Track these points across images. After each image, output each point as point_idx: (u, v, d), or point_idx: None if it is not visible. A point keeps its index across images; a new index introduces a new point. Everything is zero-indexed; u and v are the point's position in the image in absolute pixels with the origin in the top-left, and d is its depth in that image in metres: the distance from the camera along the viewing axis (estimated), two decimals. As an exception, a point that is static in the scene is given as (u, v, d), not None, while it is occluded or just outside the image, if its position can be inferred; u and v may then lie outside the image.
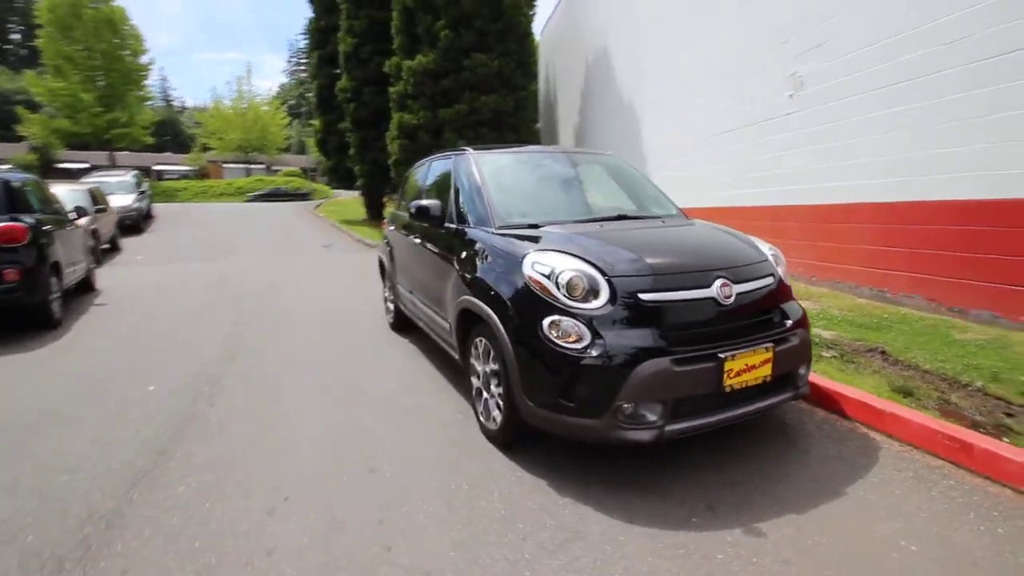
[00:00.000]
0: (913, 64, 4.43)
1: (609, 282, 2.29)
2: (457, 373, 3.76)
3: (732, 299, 2.37)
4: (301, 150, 54.58)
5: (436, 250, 3.44)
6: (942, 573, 1.78)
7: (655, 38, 8.87)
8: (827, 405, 3.01)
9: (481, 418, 2.84)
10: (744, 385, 2.30)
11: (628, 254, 2.44)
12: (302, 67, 74.02)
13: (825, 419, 2.92)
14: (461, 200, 3.31)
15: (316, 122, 21.19)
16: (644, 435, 2.18)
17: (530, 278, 2.41)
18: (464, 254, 2.98)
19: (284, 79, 76.15)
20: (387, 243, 4.95)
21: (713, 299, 2.34)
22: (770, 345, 2.36)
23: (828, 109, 5.37)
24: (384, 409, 3.25)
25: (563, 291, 2.31)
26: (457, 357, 3.21)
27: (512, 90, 12.72)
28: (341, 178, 19.22)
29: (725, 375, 2.24)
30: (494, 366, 2.63)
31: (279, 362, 4.21)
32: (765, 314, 2.53)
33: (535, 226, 2.92)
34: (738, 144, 6.78)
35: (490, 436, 2.76)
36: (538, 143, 15.25)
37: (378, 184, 17.58)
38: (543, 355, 2.28)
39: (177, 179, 37.89)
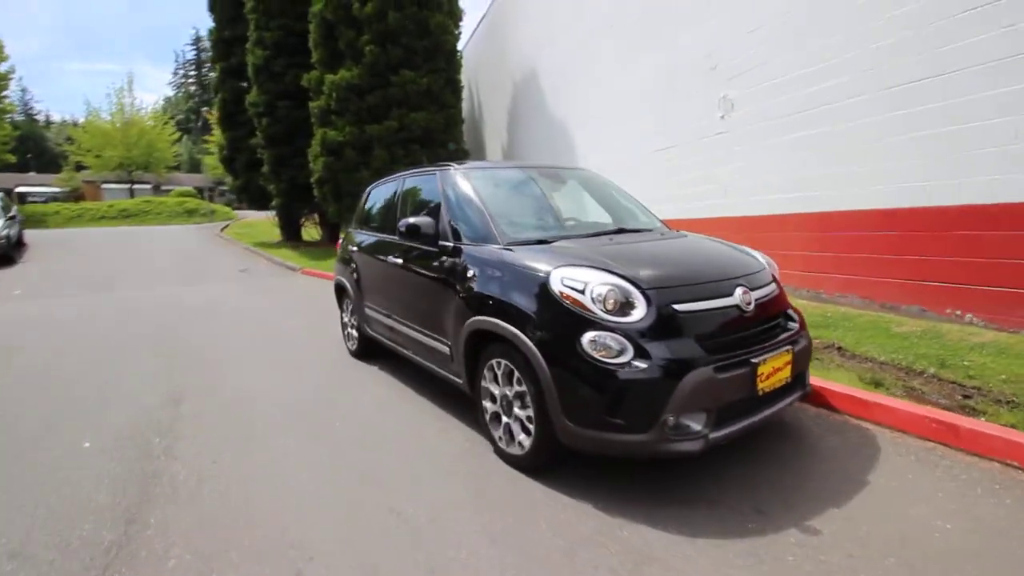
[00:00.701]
0: (828, 92, 4.96)
1: (644, 294, 2.29)
2: (450, 400, 3.58)
3: (752, 306, 2.47)
4: (194, 168, 50.37)
5: (427, 271, 3.27)
6: (981, 545, 1.93)
7: (588, 62, 9.23)
8: (815, 401, 3.22)
9: (501, 444, 2.71)
10: (772, 387, 2.39)
11: (654, 266, 2.46)
12: (191, 79, 68.73)
13: (817, 414, 3.12)
14: (453, 217, 3.18)
15: (218, 137, 19.66)
16: (693, 445, 2.18)
17: (562, 294, 2.35)
18: (471, 273, 2.85)
19: (170, 92, 70.20)
20: (350, 265, 4.64)
21: (737, 306, 2.42)
22: (789, 347, 2.48)
23: (758, 129, 5.87)
24: (381, 445, 3.00)
25: (599, 305, 2.27)
26: (460, 382, 3.04)
27: (441, 107, 12.66)
28: (253, 198, 17.91)
29: (758, 379, 2.31)
30: (519, 388, 2.52)
31: (238, 401, 3.76)
32: (776, 319, 2.65)
33: (544, 241, 2.86)
34: (674, 161, 7.20)
35: (514, 461, 2.63)
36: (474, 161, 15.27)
37: (294, 204, 16.63)
38: (585, 373, 2.21)
39: (45, 202, 33.34)
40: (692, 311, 2.31)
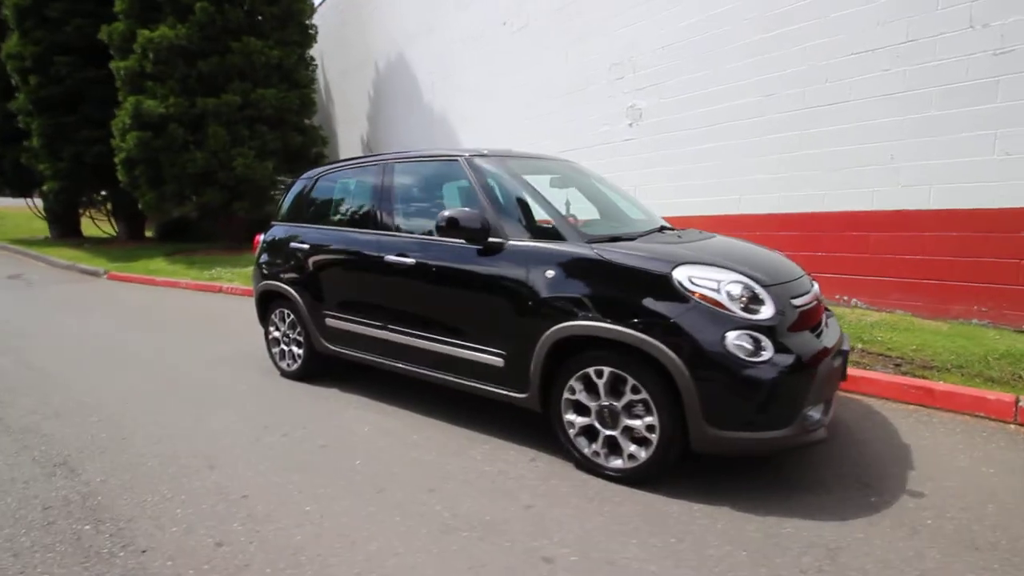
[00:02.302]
0: (734, 109, 5.69)
1: (768, 291, 2.31)
2: (460, 413, 3.18)
3: (818, 301, 2.68)
4: None
5: (467, 272, 2.82)
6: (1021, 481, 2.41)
7: (480, 56, 9.04)
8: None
9: (598, 459, 2.47)
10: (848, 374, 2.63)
11: (752, 265, 2.49)
12: None
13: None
14: (500, 210, 2.80)
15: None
16: (821, 434, 2.27)
17: (696, 293, 2.23)
18: (550, 273, 2.54)
19: None
20: (295, 269, 3.78)
21: (818, 300, 2.61)
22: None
23: (665, 139, 6.43)
24: (445, 485, 2.49)
25: (736, 304, 2.22)
26: (520, 396, 2.70)
27: (295, 85, 11.24)
28: (9, 181, 13.49)
29: (847, 367, 2.52)
30: (633, 396, 2.32)
31: (169, 458, 2.79)
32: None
33: (617, 238, 2.70)
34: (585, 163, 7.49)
35: (616, 476, 2.42)
36: (337, 149, 13.75)
37: (79, 188, 13.05)
38: (732, 374, 2.14)
39: None
40: (801, 306, 2.41)
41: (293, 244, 3.84)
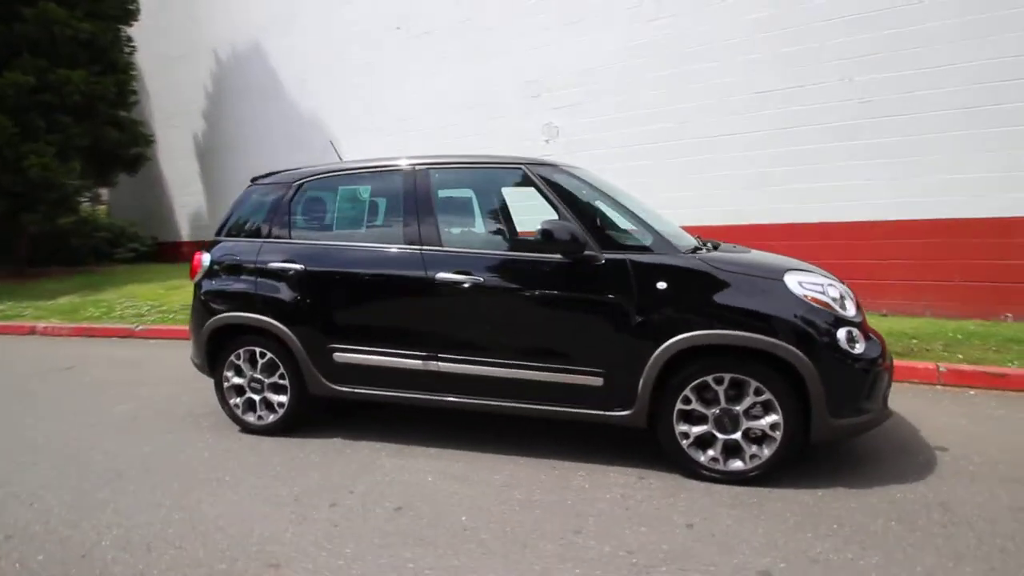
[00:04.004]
0: (652, 133, 6.32)
1: (849, 292, 2.63)
2: (543, 446, 2.96)
3: None
4: None
5: (561, 289, 2.64)
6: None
7: (371, 59, 8.40)
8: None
9: (716, 465, 2.48)
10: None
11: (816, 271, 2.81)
12: None
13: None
14: (590, 222, 2.68)
15: None
16: (890, 410, 2.66)
17: (809, 297, 2.43)
18: (661, 286, 2.51)
19: None
20: (278, 293, 3.05)
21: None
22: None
23: (583, 157, 6.79)
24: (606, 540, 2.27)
25: (839, 304, 2.48)
26: (621, 414, 2.58)
27: (110, 68, 9.06)
28: None
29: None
30: (757, 398, 2.40)
31: (195, 568, 2.05)
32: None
33: (697, 248, 2.79)
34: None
35: (737, 478, 2.48)
36: (156, 150, 11.24)
37: None
38: (848, 366, 2.37)
39: None
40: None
41: (274, 265, 3.09)
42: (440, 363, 2.82)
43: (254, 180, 3.41)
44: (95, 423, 3.49)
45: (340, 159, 3.54)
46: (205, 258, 3.30)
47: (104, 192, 12.96)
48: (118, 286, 8.17)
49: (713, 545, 2.06)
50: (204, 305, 3.25)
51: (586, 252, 2.59)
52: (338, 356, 2.99)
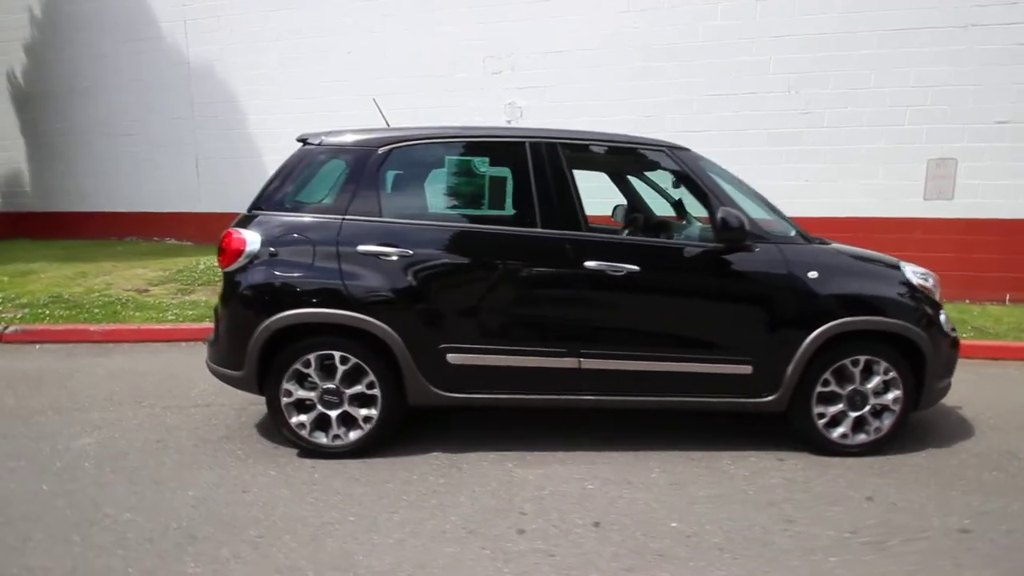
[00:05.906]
0: (618, 124, 6.48)
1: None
2: (661, 438, 2.91)
3: None
4: None
5: (723, 277, 2.61)
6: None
7: (287, 9, 7.12)
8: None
9: (847, 440, 2.68)
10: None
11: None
12: None
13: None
14: (737, 210, 2.67)
15: None
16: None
17: (919, 285, 2.75)
18: (812, 275, 2.60)
19: None
20: (378, 286, 2.48)
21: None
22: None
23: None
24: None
25: (937, 291, 2.85)
26: (767, 399, 2.64)
27: None
28: None
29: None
30: (884, 377, 2.67)
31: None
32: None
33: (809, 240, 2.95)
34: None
35: (864, 449, 2.72)
36: None
37: None
38: (951, 342, 2.77)
39: None
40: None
41: (365, 248, 2.50)
42: (583, 359, 2.58)
43: (307, 140, 2.70)
44: (75, 469, 2.49)
45: (387, 124, 2.95)
46: (250, 238, 2.53)
47: None
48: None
49: (904, 514, 2.24)
50: (253, 301, 2.52)
51: (747, 241, 2.59)
52: (453, 357, 2.55)
